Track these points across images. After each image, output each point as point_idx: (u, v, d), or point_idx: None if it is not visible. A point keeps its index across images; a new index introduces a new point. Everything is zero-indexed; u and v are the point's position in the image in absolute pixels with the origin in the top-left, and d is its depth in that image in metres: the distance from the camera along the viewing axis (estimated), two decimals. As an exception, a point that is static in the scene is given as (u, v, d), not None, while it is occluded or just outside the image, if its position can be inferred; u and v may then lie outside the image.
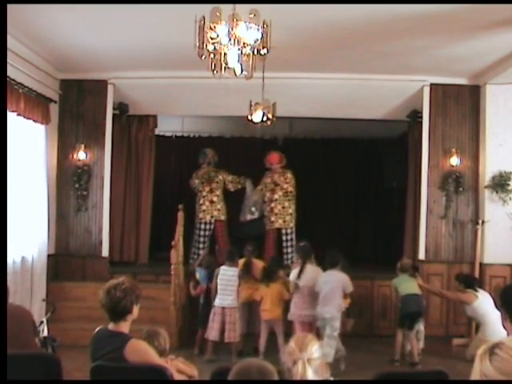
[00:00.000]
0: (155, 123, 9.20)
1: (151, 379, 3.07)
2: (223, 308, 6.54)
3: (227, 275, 6.60)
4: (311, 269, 6.32)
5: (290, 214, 8.70)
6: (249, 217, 8.85)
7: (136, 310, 3.22)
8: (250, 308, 6.93)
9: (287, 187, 8.68)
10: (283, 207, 8.67)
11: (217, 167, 9.03)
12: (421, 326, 6.75)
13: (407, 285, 6.53)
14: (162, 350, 3.48)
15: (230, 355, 6.42)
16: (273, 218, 8.68)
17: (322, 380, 2.37)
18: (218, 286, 6.60)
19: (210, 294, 6.81)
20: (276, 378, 2.21)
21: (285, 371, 2.41)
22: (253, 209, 8.80)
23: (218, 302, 6.58)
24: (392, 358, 6.40)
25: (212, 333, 6.49)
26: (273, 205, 8.67)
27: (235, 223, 9.08)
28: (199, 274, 7.11)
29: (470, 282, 6.83)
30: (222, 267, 6.68)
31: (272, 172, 8.80)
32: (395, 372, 4.28)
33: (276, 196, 8.67)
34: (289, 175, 8.77)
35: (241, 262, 6.93)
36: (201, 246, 8.72)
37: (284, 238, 8.70)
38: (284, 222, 8.67)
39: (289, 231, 8.69)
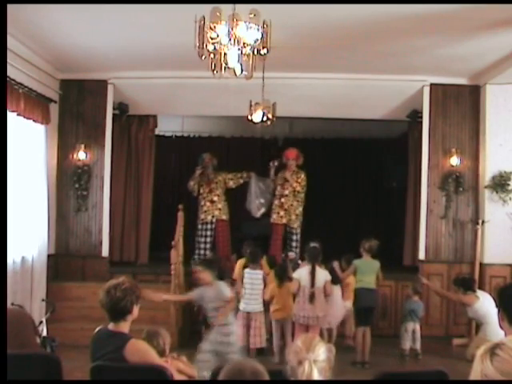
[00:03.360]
0: (155, 123, 9.19)
1: (151, 379, 3.07)
2: (248, 313, 6.40)
3: (252, 278, 6.43)
4: (320, 271, 6.21)
5: (296, 215, 8.57)
6: (258, 210, 8.59)
7: (136, 309, 3.22)
8: None
9: (296, 186, 8.50)
10: (291, 205, 8.55)
11: (216, 170, 8.82)
12: (417, 326, 6.75)
13: (365, 277, 6.40)
14: (161, 350, 3.49)
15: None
16: (282, 213, 8.53)
17: (322, 380, 2.37)
18: (245, 290, 6.43)
19: None
20: (267, 378, 2.21)
21: (287, 370, 2.40)
22: (262, 200, 8.58)
23: (242, 306, 6.39)
24: (399, 356, 6.33)
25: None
26: (283, 200, 8.53)
27: (236, 223, 9.06)
28: None
29: (469, 284, 6.80)
30: (246, 270, 6.53)
31: (286, 169, 8.61)
32: (395, 372, 4.28)
33: (286, 192, 8.52)
34: (302, 176, 8.57)
35: (241, 262, 6.90)
36: (203, 246, 8.68)
37: (290, 236, 8.59)
38: (290, 220, 8.55)
39: (293, 231, 8.59)
